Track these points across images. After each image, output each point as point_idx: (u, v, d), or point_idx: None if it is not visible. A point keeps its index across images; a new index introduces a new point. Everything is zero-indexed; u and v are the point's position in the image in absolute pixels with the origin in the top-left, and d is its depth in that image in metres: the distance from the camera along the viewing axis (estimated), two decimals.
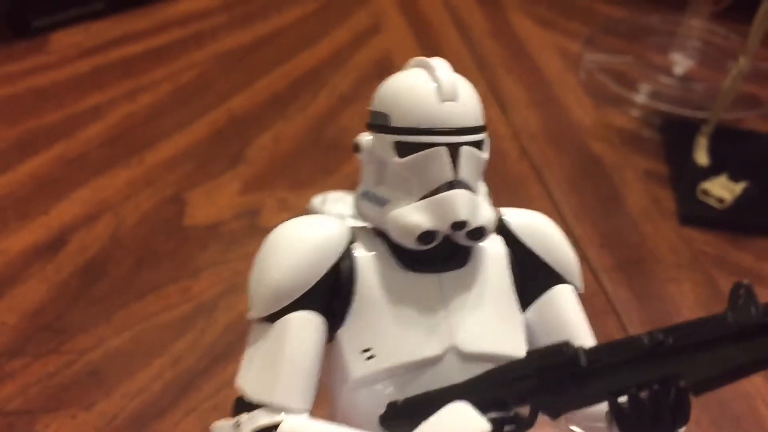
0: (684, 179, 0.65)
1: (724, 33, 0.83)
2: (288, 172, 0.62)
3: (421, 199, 0.26)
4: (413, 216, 0.26)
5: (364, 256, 0.28)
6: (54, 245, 0.55)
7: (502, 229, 0.29)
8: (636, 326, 0.53)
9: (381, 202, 0.27)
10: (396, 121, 0.27)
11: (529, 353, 0.25)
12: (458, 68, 0.83)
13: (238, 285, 0.52)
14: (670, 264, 0.59)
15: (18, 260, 0.54)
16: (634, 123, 0.74)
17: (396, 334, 0.26)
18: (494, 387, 0.25)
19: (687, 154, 0.68)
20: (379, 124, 0.27)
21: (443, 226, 0.26)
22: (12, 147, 0.64)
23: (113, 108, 0.69)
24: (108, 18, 0.81)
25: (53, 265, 0.54)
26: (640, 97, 0.77)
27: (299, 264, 0.26)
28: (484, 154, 0.28)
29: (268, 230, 0.28)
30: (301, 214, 0.29)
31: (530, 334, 0.29)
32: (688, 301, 0.56)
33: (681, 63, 0.81)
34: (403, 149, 0.26)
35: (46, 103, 0.69)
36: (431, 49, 0.82)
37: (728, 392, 0.49)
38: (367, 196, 0.28)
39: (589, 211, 0.63)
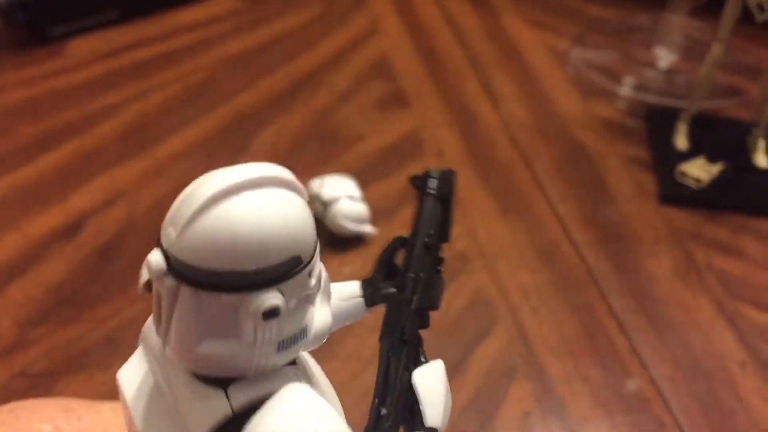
0: (664, 162, 0.69)
1: (704, 28, 0.87)
2: (289, 161, 0.66)
3: None
4: None
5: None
6: (73, 228, 0.59)
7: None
8: (615, 296, 0.57)
9: None
10: None
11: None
12: (452, 66, 0.91)
13: None
14: (649, 240, 0.62)
15: (39, 242, 0.58)
16: (619, 114, 0.78)
17: None
18: None
19: (668, 140, 0.72)
20: None
21: None
22: (33, 143, 0.68)
23: (127, 107, 0.74)
24: (122, 26, 0.86)
25: (72, 246, 0.58)
26: (625, 90, 0.81)
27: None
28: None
29: None
30: None
31: None
32: (666, 274, 0.59)
33: (664, 57, 0.85)
34: None
35: (64, 103, 0.74)
36: (426, 49, 0.87)
37: (699, 351, 0.53)
38: None
39: (574, 194, 0.67)
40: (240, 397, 0.22)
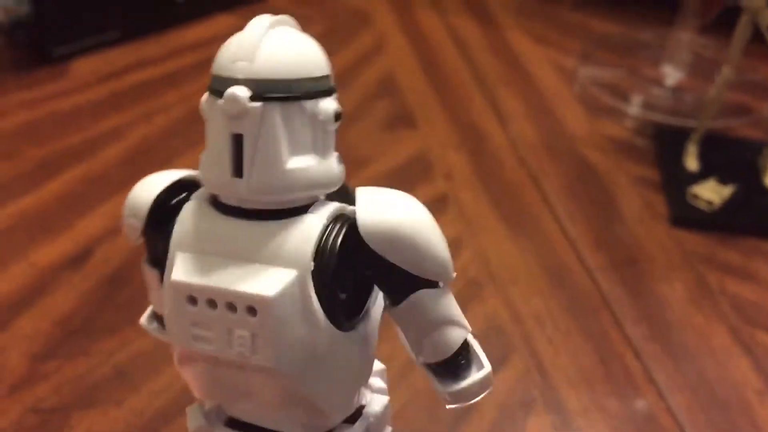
0: (675, 184, 0.69)
1: (711, 45, 0.86)
2: None
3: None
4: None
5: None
6: (80, 257, 0.59)
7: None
8: (629, 322, 0.56)
9: None
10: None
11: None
12: (458, 83, 0.89)
13: None
14: (661, 263, 0.62)
15: (47, 272, 0.57)
16: (627, 132, 0.78)
17: None
18: None
19: (677, 161, 0.71)
20: None
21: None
22: (37, 167, 0.68)
23: (131, 130, 0.73)
24: (123, 45, 0.85)
25: (80, 275, 0.57)
26: (633, 108, 0.81)
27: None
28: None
29: None
30: None
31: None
32: (679, 298, 0.59)
33: (672, 75, 0.85)
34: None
35: (67, 126, 0.73)
36: (432, 65, 0.86)
37: (716, 379, 0.52)
38: None
39: (584, 215, 0.66)
40: (322, 211, 0.26)
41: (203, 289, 0.24)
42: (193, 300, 0.25)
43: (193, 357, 0.26)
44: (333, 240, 0.25)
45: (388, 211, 0.25)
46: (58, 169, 0.67)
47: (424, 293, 0.26)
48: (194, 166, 0.28)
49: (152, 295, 0.30)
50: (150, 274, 0.29)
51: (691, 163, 0.70)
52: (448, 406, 0.29)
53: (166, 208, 0.27)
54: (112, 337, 0.52)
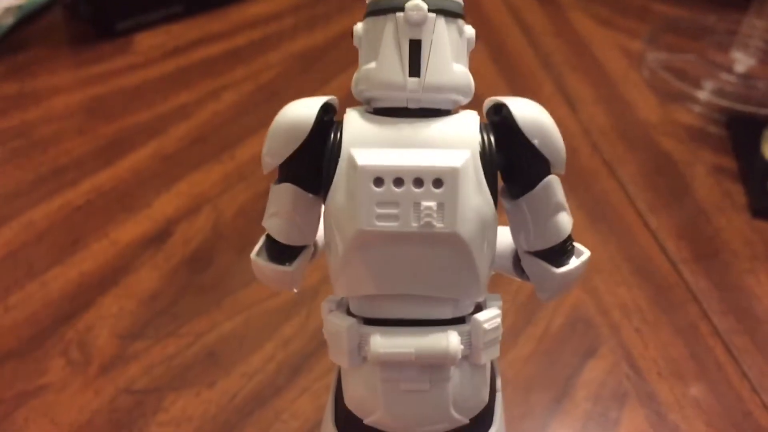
0: (753, 174, 0.67)
1: None
2: None
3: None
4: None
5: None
6: (160, 236, 0.58)
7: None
8: (718, 315, 0.55)
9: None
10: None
11: None
12: (523, 66, 0.89)
13: None
14: (745, 255, 0.61)
15: (128, 250, 0.57)
16: (699, 119, 0.76)
17: None
18: None
19: (755, 150, 0.70)
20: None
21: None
22: (111, 144, 0.67)
23: (200, 107, 0.73)
24: (187, 20, 0.84)
25: (162, 255, 0.57)
26: (704, 94, 0.79)
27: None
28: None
29: None
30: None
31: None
32: (766, 291, 0.58)
33: (742, 61, 0.83)
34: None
35: (137, 102, 0.72)
36: (496, 49, 0.85)
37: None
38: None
39: (664, 205, 0.65)
40: (468, 112, 0.31)
41: (392, 169, 0.28)
42: (379, 181, 0.28)
43: (370, 241, 0.29)
44: (489, 129, 0.30)
45: (534, 107, 0.30)
46: (131, 146, 0.67)
47: (553, 178, 0.30)
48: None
49: (279, 218, 0.31)
50: (287, 194, 0.30)
51: None
52: (544, 301, 0.34)
53: (323, 123, 0.30)
54: (199, 319, 0.52)
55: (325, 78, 0.77)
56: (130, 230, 0.59)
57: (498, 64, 0.82)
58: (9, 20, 0.78)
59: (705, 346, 0.53)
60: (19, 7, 0.79)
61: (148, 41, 0.81)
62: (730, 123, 0.75)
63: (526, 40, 0.87)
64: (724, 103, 0.77)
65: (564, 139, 0.31)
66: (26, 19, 0.81)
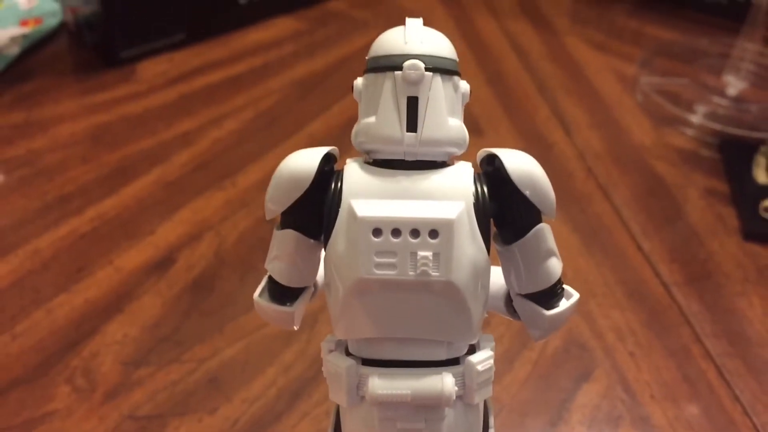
0: (745, 197, 0.68)
1: None
2: None
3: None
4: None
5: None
6: (163, 263, 0.60)
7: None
8: (710, 338, 0.56)
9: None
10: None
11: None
12: (519, 90, 0.90)
13: None
14: (737, 279, 0.62)
15: (132, 277, 0.58)
16: (692, 143, 0.78)
17: None
18: None
19: (747, 173, 0.71)
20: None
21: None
22: (115, 171, 0.69)
23: (202, 134, 0.74)
24: (189, 47, 0.86)
25: (165, 282, 0.58)
26: (696, 118, 0.80)
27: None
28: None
29: None
30: None
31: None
32: (757, 314, 0.59)
33: (734, 84, 0.84)
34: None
35: (140, 130, 0.74)
36: (493, 72, 0.87)
37: None
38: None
39: (657, 228, 0.66)
40: (463, 163, 0.32)
41: (390, 220, 0.29)
42: (378, 231, 0.29)
43: (368, 288, 0.30)
44: (483, 179, 0.31)
45: (526, 159, 0.32)
46: (134, 174, 0.68)
47: (544, 226, 0.32)
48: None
49: (281, 262, 0.33)
50: (288, 239, 0.32)
51: (761, 175, 0.70)
52: (536, 340, 0.35)
53: (324, 173, 0.31)
54: (202, 345, 0.53)
55: (325, 104, 0.79)
56: (133, 257, 0.60)
57: (495, 87, 0.84)
58: (15, 50, 0.79)
59: (697, 369, 0.54)
60: (25, 36, 0.81)
61: (151, 69, 0.83)
62: (723, 146, 0.76)
63: (522, 65, 0.89)
64: (717, 126, 0.79)
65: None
66: (32, 48, 0.83)
